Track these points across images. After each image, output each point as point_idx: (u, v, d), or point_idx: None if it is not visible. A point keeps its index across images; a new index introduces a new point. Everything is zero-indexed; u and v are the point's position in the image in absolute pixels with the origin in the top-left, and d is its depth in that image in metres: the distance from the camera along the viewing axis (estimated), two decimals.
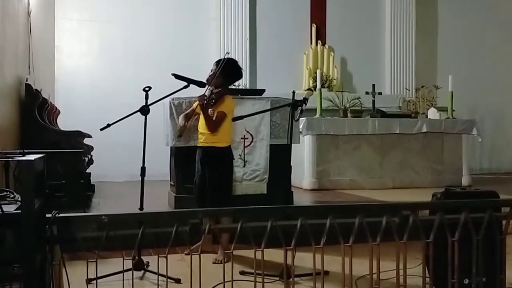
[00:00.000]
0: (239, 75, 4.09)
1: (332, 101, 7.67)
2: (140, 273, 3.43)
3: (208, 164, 3.93)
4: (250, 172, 4.83)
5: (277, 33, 9.07)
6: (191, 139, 4.68)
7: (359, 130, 7.06)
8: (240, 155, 4.73)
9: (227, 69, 3.95)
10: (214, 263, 3.66)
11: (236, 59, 4.41)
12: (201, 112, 3.90)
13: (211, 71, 3.97)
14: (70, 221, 1.87)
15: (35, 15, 6.41)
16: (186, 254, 3.70)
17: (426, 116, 8.13)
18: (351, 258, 1.94)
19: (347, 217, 1.97)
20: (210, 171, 3.92)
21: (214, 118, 3.84)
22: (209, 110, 3.88)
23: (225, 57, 3.96)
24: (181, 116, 4.13)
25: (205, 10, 8.94)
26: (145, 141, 3.59)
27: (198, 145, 4.07)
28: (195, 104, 4.05)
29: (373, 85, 7.80)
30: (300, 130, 6.46)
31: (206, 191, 3.93)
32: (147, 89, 3.55)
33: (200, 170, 4.00)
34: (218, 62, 3.97)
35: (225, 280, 1.97)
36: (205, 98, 3.80)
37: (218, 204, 3.71)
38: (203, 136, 3.97)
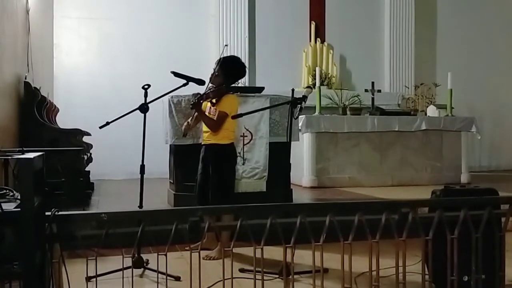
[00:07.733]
0: (241, 73, 4.05)
1: (331, 99, 7.67)
2: (140, 270, 3.43)
3: (211, 161, 3.92)
4: (249, 169, 4.83)
5: (276, 30, 9.07)
6: (190, 138, 4.69)
7: (358, 128, 7.06)
8: (239, 153, 4.72)
9: (228, 67, 3.93)
10: (204, 259, 3.64)
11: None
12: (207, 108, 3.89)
13: (213, 70, 3.95)
14: (69, 219, 1.87)
15: (34, 12, 6.40)
16: (192, 250, 3.68)
17: (425, 114, 8.13)
18: (350, 255, 1.94)
19: (346, 214, 1.97)
20: (213, 168, 3.91)
21: (215, 118, 3.83)
22: (212, 109, 3.88)
23: (223, 53, 3.93)
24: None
25: (204, 7, 8.92)
26: (145, 139, 3.59)
27: (202, 143, 4.06)
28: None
29: (372, 83, 7.79)
30: (300, 127, 6.45)
31: (209, 189, 3.92)
32: (146, 87, 3.55)
33: (202, 168, 3.99)
34: (219, 61, 3.95)
35: (225, 278, 1.97)
36: (197, 96, 3.79)
37: (220, 202, 3.70)
38: (206, 134, 3.96)
